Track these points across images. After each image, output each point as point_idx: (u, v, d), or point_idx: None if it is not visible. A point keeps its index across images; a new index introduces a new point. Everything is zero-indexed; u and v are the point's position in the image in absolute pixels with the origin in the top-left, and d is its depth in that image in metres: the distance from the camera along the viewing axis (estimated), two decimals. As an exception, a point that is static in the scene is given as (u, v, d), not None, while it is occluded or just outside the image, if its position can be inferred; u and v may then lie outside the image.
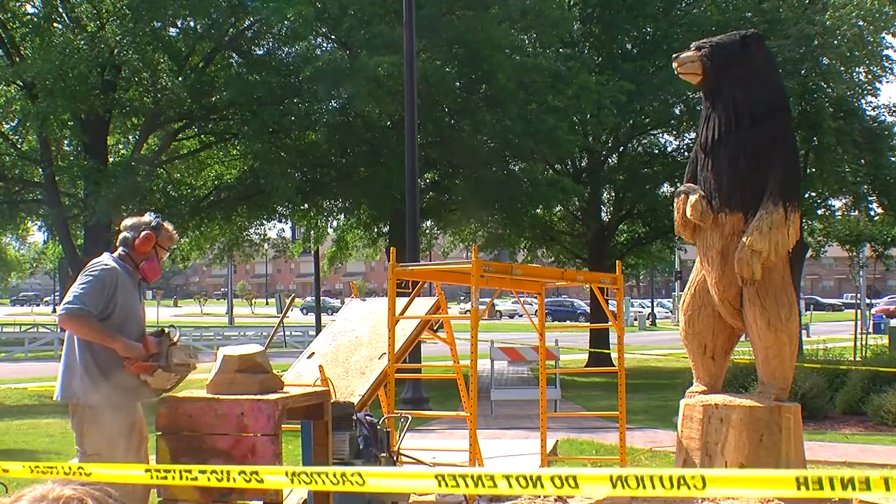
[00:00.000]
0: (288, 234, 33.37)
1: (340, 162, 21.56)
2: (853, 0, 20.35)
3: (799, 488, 2.39)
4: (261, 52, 21.31)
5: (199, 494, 5.13)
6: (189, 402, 5.30)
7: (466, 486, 2.75)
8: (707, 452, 6.52)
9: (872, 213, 22.59)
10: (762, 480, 2.72)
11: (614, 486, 2.55)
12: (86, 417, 5.35)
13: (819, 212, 23.27)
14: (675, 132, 24.74)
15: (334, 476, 3.03)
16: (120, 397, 5.35)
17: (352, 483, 2.99)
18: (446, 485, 2.78)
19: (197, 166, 23.53)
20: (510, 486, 2.67)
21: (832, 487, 2.33)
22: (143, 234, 5.57)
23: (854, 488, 2.30)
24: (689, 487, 2.51)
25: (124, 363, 5.32)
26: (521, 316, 55.48)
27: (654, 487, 2.54)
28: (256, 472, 3.26)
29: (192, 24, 20.47)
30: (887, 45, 22.12)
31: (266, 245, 28.67)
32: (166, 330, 5.57)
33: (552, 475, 2.65)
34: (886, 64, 22.03)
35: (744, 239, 6.46)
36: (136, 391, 5.43)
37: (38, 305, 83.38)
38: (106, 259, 5.56)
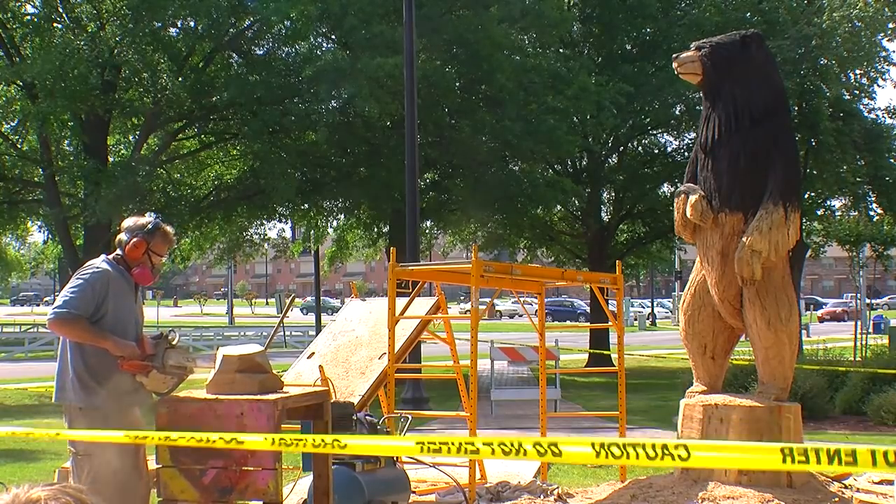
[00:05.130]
0: (288, 234, 33.38)
1: (340, 162, 21.55)
2: (848, 0, 20.38)
3: (784, 461, 2.40)
4: (261, 52, 21.31)
5: (199, 494, 5.14)
6: (189, 402, 5.30)
7: (448, 451, 2.78)
8: (707, 452, 6.52)
9: (872, 213, 22.62)
10: (747, 450, 2.73)
11: (598, 455, 2.56)
12: (77, 418, 5.35)
13: (819, 212, 23.29)
14: (675, 132, 24.76)
15: (314, 441, 3.06)
16: (114, 400, 5.33)
17: (332, 447, 3.03)
18: (428, 450, 2.82)
19: (197, 166, 23.53)
20: (493, 452, 2.71)
21: (818, 461, 2.34)
22: (133, 240, 5.54)
23: (840, 461, 2.31)
24: (672, 458, 2.52)
25: (118, 362, 5.31)
26: (521, 316, 55.49)
27: (637, 457, 2.54)
28: (236, 438, 3.28)
29: (192, 24, 20.47)
30: (884, 48, 22.13)
31: (266, 245, 28.66)
32: (165, 333, 5.56)
33: (535, 442, 2.66)
34: (882, 66, 22.08)
35: (744, 239, 6.46)
36: (131, 394, 5.41)
37: (38, 305, 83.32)
38: (98, 262, 5.55)
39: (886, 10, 21.22)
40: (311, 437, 3.14)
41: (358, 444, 3.58)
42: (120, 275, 5.51)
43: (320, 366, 7.97)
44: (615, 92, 20.80)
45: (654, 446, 2.51)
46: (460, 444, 2.78)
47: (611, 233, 25.20)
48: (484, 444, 2.74)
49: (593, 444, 2.58)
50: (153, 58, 19.27)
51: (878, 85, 22.34)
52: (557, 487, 7.88)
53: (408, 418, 7.93)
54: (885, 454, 2.26)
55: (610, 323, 10.35)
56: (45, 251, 34.25)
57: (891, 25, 21.84)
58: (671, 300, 57.72)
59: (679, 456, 2.51)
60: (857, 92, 22.39)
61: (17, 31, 20.47)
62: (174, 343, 5.47)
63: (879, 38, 21.84)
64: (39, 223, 24.89)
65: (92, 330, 5.30)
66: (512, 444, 2.66)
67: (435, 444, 2.80)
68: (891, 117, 22.98)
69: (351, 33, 19.65)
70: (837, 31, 20.36)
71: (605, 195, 26.06)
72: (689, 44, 7.22)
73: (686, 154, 22.68)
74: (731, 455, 2.83)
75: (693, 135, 21.34)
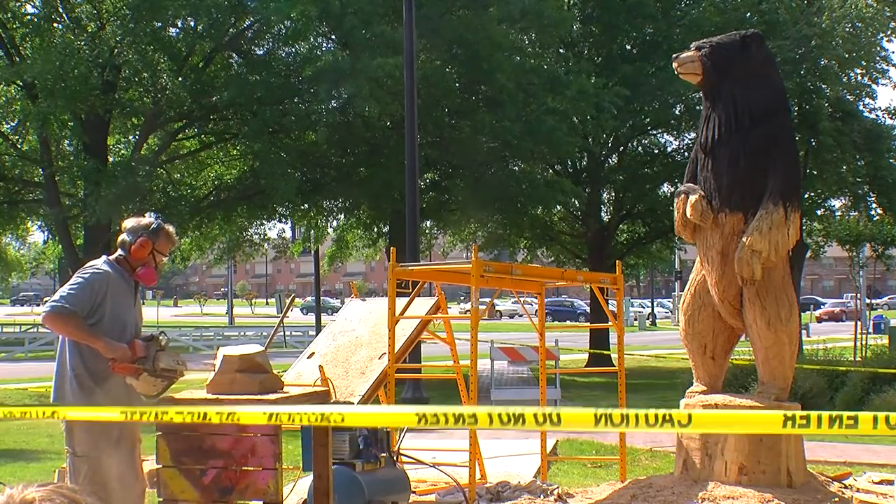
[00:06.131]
0: (288, 234, 33.40)
1: (340, 162, 21.57)
2: (847, 0, 20.39)
3: (785, 425, 2.42)
4: (261, 53, 21.32)
5: (199, 494, 5.14)
6: (189, 402, 5.31)
7: (447, 421, 2.78)
8: (707, 452, 6.52)
9: (872, 213, 22.63)
10: (749, 420, 2.73)
11: (597, 423, 2.58)
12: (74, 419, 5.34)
13: (819, 212, 23.30)
14: (675, 132, 24.76)
15: (313, 416, 3.07)
16: (111, 402, 5.32)
17: (330, 420, 3.03)
18: (426, 421, 2.83)
19: (197, 166, 23.54)
20: (491, 422, 2.72)
21: (819, 425, 2.36)
22: (139, 240, 5.54)
23: (841, 425, 2.33)
24: (672, 424, 2.54)
25: (109, 364, 5.30)
26: (521, 316, 55.49)
27: (637, 424, 2.56)
28: (233, 413, 3.28)
29: (192, 24, 20.49)
30: (883, 48, 22.16)
31: (266, 245, 28.67)
32: (156, 335, 5.53)
33: (535, 412, 2.68)
34: (882, 66, 22.09)
35: (744, 239, 6.46)
36: (125, 397, 5.40)
37: (37, 305, 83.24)
38: (100, 263, 5.54)
39: (886, 10, 21.23)
40: (310, 412, 3.14)
41: (358, 413, 3.56)
42: (120, 276, 5.50)
43: (320, 366, 7.97)
44: (614, 94, 20.81)
45: (655, 416, 2.53)
46: (459, 415, 2.78)
47: (611, 233, 25.21)
48: (484, 414, 2.75)
49: (595, 415, 2.59)
50: (153, 58, 19.28)
51: (880, 83, 22.38)
52: (557, 487, 7.87)
53: (408, 418, 7.92)
54: (887, 418, 2.28)
55: (610, 323, 10.35)
56: (45, 251, 34.30)
57: (891, 25, 21.86)
58: (671, 300, 57.72)
59: (679, 422, 2.53)
60: (858, 92, 22.40)
61: (18, 31, 20.48)
62: (164, 345, 5.44)
63: (879, 38, 21.86)
64: (39, 223, 24.91)
65: (84, 328, 5.29)
66: (511, 415, 2.68)
67: (434, 415, 2.81)
68: (891, 117, 23.01)
69: (351, 33, 19.65)
70: (837, 31, 20.37)
71: (605, 195, 26.07)
72: (689, 44, 7.22)
73: (686, 154, 22.68)
74: (731, 422, 2.86)
75: (693, 135, 21.35)
